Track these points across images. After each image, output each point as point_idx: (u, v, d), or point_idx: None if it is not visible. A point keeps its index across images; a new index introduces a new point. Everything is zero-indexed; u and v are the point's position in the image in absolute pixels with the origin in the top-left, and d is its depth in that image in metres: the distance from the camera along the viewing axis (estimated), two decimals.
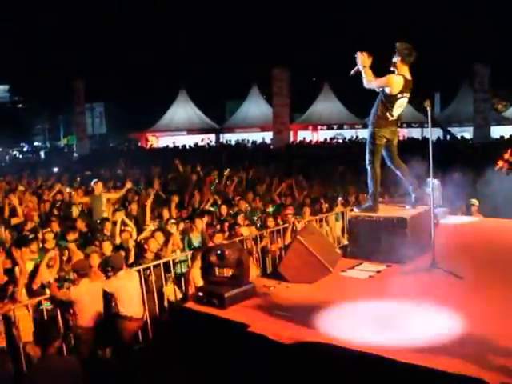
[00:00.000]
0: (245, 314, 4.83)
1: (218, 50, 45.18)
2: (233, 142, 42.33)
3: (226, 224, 10.24)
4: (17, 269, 8.13)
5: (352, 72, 6.69)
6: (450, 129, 36.84)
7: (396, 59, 6.42)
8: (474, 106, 34.48)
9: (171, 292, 8.95)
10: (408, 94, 6.52)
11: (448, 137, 30.21)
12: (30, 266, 8.32)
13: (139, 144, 46.54)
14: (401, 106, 6.53)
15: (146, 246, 8.97)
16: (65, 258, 8.74)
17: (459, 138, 32.36)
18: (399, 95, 6.42)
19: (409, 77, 6.45)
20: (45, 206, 12.71)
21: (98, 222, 10.81)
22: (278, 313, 4.80)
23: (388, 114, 6.49)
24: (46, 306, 7.57)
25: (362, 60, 6.56)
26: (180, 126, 45.09)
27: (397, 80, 6.36)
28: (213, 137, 46.07)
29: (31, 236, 9.47)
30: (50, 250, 8.56)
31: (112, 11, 44.27)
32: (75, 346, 7.47)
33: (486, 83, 33.61)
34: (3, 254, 8.64)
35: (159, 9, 43.10)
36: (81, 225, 10.50)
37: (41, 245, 9.17)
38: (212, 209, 12.02)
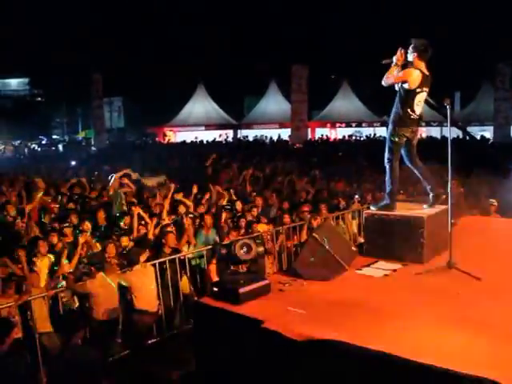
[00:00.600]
0: (259, 310, 4.83)
1: (237, 45, 45.20)
2: (250, 138, 42.26)
3: (243, 220, 10.27)
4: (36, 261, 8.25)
5: (383, 61, 6.64)
6: (469, 128, 36.59)
7: (412, 55, 6.39)
8: (495, 105, 34.22)
9: (186, 286, 9.01)
10: (427, 89, 6.47)
11: (467, 137, 29.93)
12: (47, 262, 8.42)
13: (156, 139, 46.65)
14: (420, 101, 6.48)
15: (163, 241, 9.04)
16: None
17: (478, 137, 32.07)
18: (418, 89, 6.37)
19: (426, 72, 6.41)
20: (62, 199, 12.83)
21: (117, 215, 10.88)
22: (293, 310, 4.80)
23: (409, 110, 6.43)
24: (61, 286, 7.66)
25: (398, 56, 6.52)
26: (198, 122, 45.09)
27: (414, 73, 6.31)
28: (230, 132, 46.03)
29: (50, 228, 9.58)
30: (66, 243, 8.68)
31: (131, 6, 44.46)
32: (90, 338, 7.55)
33: (507, 82, 33.30)
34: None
35: (178, 4, 43.17)
36: (101, 218, 10.58)
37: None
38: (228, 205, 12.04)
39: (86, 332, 7.68)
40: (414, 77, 6.30)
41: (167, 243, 8.96)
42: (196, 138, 40.85)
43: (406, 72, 6.37)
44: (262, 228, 9.87)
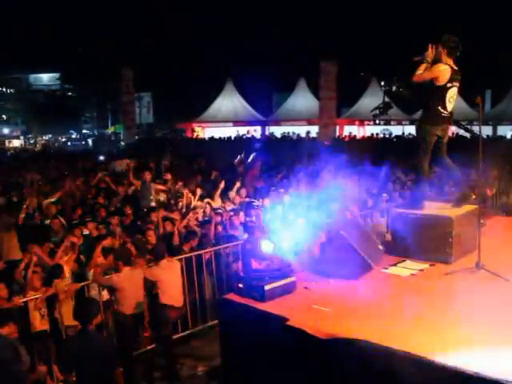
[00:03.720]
0: (284, 307, 4.84)
1: (266, 42, 45.14)
2: (278, 135, 42.19)
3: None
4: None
5: (415, 59, 6.57)
6: (500, 127, 36.07)
7: (442, 51, 6.32)
8: None
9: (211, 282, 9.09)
10: (457, 84, 6.40)
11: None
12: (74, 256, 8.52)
13: (183, 134, 46.81)
14: (452, 97, 6.40)
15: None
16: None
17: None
18: (448, 84, 6.29)
19: (455, 66, 6.33)
20: (92, 193, 13.03)
21: (145, 210, 10.95)
22: (318, 308, 4.79)
23: (440, 107, 6.35)
24: None
25: (428, 53, 6.45)
26: (226, 118, 45.09)
27: (444, 68, 6.24)
28: (259, 129, 45.99)
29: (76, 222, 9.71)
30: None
31: (161, 2, 44.69)
32: (116, 331, 7.62)
33: None
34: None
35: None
36: (128, 211, 10.68)
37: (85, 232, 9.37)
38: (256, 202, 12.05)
39: (109, 325, 7.77)
40: (444, 72, 6.23)
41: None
42: (238, 131, 40.77)
43: (436, 68, 6.29)
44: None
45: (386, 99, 8.10)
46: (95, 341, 5.34)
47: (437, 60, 6.39)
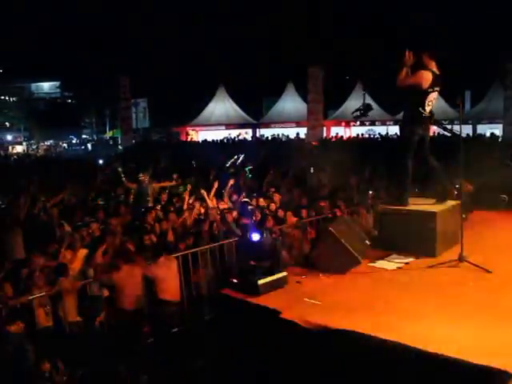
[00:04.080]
0: (277, 301, 4.81)
1: (255, 49, 45.15)
2: (268, 137, 42.32)
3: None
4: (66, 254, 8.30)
5: (392, 65, 6.56)
6: (479, 126, 36.21)
7: (422, 54, 6.31)
8: (505, 104, 33.82)
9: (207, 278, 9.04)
10: (438, 88, 6.40)
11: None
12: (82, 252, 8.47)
13: (178, 137, 46.82)
14: (432, 101, 6.40)
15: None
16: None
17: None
18: (430, 89, 6.30)
19: (437, 71, 6.33)
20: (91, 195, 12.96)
21: (143, 210, 10.89)
22: (309, 301, 4.77)
23: (420, 109, 6.36)
24: None
25: (406, 59, 6.45)
26: (219, 121, 45.24)
27: (426, 75, 6.24)
28: (250, 131, 46.11)
29: (80, 224, 9.63)
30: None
31: (152, 11, 44.62)
32: (116, 327, 7.57)
33: None
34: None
35: (198, 8, 43.25)
36: (124, 212, 10.61)
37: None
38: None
39: (110, 320, 7.72)
40: (426, 78, 6.22)
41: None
42: (235, 133, 40.85)
43: (418, 74, 6.28)
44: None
45: (367, 101, 8.14)
46: (99, 337, 5.30)
47: (418, 65, 6.37)
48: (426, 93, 6.31)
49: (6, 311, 6.24)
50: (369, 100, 41.70)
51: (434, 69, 6.31)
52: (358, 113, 8.15)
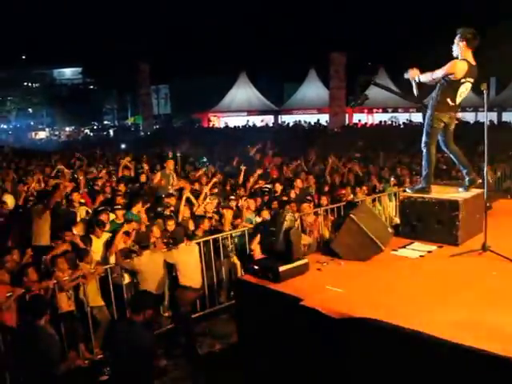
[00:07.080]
0: (298, 288, 4.81)
1: (278, 34, 44.91)
2: (290, 123, 42.20)
3: (275, 202, 10.29)
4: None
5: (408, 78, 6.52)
6: (505, 113, 35.63)
7: (461, 44, 6.14)
8: None
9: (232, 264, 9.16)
10: (472, 80, 6.25)
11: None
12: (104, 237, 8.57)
13: (200, 124, 46.95)
14: (464, 92, 6.28)
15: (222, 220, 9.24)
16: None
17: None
18: (462, 80, 6.16)
19: (473, 62, 6.18)
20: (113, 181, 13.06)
21: (164, 196, 10.94)
22: (331, 288, 4.76)
23: (450, 100, 6.25)
24: None
25: (412, 74, 6.40)
26: (240, 107, 45.19)
27: (461, 65, 6.10)
28: (271, 118, 46.02)
29: (102, 208, 9.70)
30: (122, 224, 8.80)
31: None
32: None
33: None
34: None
35: None
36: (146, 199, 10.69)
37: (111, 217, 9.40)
38: (269, 187, 12.03)
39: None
40: (460, 68, 6.08)
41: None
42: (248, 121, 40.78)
43: (452, 64, 6.14)
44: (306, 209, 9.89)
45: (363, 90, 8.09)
46: (139, 333, 5.34)
47: (453, 55, 6.22)
48: (459, 83, 6.18)
49: (33, 299, 6.33)
50: (392, 86, 41.45)
51: (470, 59, 6.17)
52: (353, 103, 8.11)
